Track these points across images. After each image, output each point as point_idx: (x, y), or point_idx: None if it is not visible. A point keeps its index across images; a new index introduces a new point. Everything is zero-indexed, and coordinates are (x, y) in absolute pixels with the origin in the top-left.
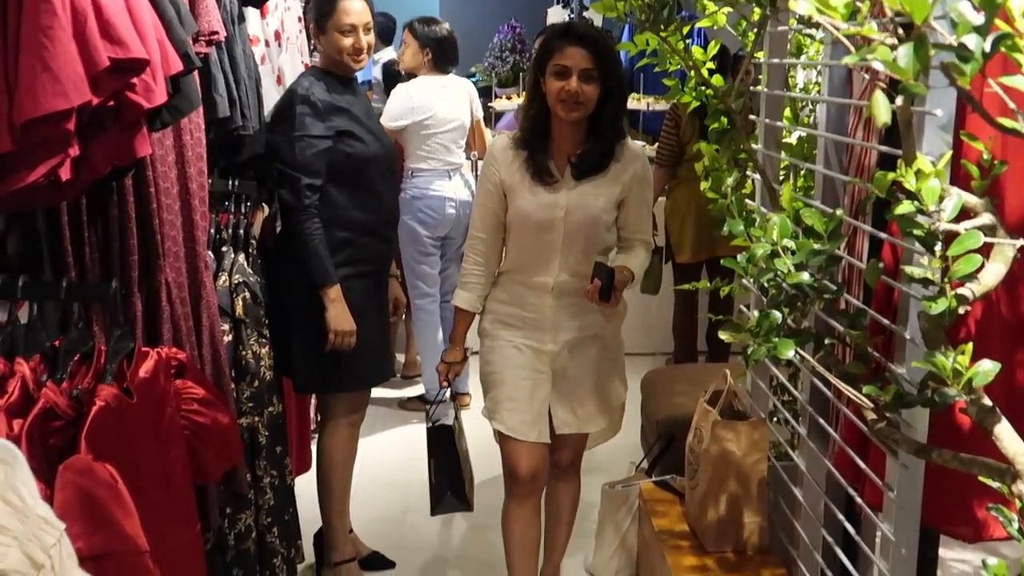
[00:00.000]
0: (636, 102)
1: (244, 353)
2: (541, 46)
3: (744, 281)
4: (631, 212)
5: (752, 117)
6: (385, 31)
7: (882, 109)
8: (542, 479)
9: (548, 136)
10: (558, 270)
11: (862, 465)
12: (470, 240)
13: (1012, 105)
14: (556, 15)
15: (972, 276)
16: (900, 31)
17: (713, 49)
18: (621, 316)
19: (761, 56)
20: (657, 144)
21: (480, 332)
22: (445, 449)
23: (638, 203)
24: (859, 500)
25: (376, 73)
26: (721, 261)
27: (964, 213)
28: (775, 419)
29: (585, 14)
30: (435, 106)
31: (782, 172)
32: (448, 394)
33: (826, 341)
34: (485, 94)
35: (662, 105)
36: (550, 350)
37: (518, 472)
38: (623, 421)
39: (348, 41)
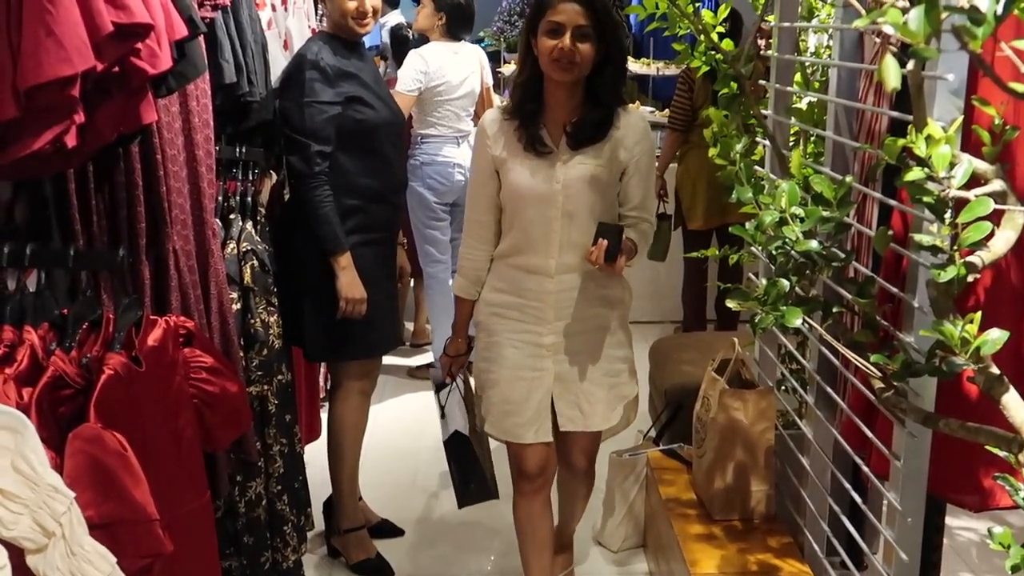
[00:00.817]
0: (646, 67)
1: (253, 321)
2: (534, 3)
3: (753, 249)
4: (633, 186)
5: (762, 82)
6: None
7: (892, 73)
8: (550, 471)
9: (541, 102)
10: (558, 251)
11: (869, 434)
12: (466, 224)
13: None
14: None
15: (982, 243)
16: None
17: (723, 12)
18: (627, 304)
19: (772, 20)
20: (670, 108)
21: (476, 324)
22: (464, 455)
23: (642, 176)
24: (865, 469)
25: (384, 38)
26: (729, 228)
27: (974, 179)
28: (783, 388)
29: None
30: (448, 73)
31: (792, 138)
32: (461, 386)
33: (834, 309)
34: (494, 59)
35: (672, 70)
36: (551, 342)
37: (523, 469)
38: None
39: (352, 4)
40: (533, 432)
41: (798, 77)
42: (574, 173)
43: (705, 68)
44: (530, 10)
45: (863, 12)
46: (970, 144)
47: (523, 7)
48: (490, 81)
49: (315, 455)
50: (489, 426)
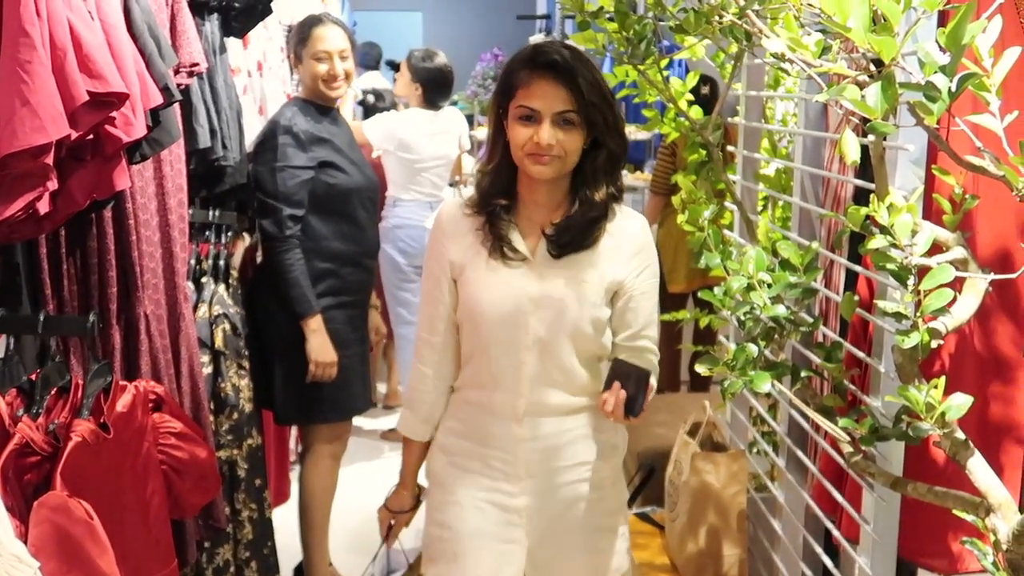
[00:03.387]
0: None
1: (223, 385)
2: (501, 77)
3: (724, 313)
4: (632, 311)
5: (730, 148)
6: (368, 59)
7: (851, 147)
8: None
9: (514, 197)
10: (529, 388)
11: (839, 498)
12: (417, 345)
13: (979, 144)
14: None
15: (944, 310)
16: (872, 67)
17: (692, 81)
18: (621, 451)
19: (739, 88)
20: (652, 172)
21: (428, 474)
22: None
23: (643, 299)
24: (836, 533)
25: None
26: (698, 294)
27: (937, 247)
28: (755, 450)
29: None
30: (423, 144)
31: (761, 203)
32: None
33: (803, 374)
34: (467, 122)
35: (643, 135)
36: (523, 505)
37: None
38: None
39: (323, 68)
40: None
41: (765, 143)
42: (553, 289)
43: (675, 135)
44: (498, 83)
45: (824, 86)
46: (932, 212)
47: (496, 71)
48: (467, 146)
49: (285, 519)
50: None
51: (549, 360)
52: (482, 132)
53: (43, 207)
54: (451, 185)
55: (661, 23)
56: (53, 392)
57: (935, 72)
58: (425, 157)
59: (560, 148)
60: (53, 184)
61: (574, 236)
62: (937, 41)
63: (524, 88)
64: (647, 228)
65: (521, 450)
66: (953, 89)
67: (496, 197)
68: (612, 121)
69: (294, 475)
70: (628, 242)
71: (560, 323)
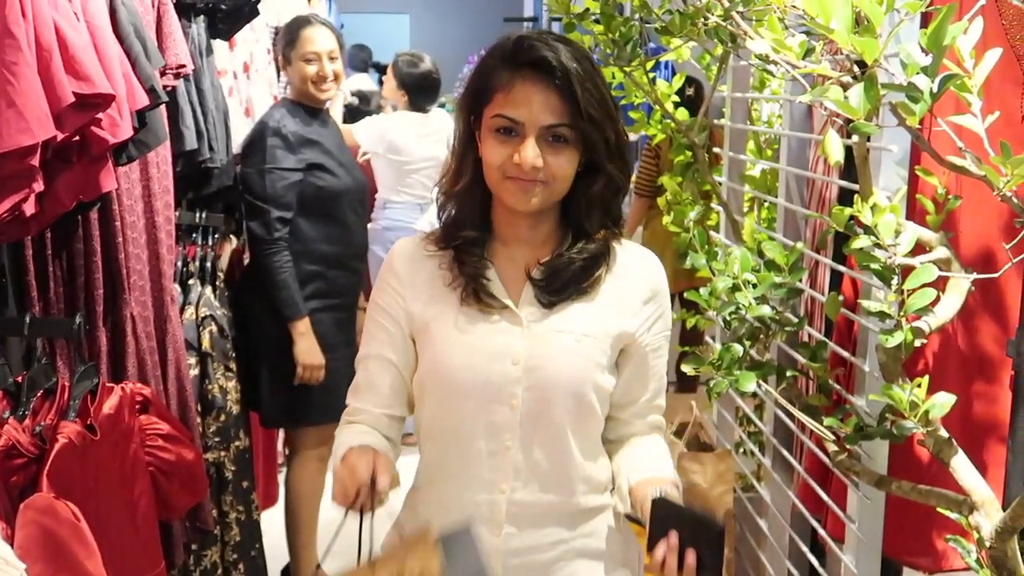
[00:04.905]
0: None
1: (210, 387)
2: (474, 75)
3: (710, 313)
4: (644, 372)
5: (716, 150)
6: (357, 61)
7: (834, 148)
8: None
9: (488, 228)
10: (511, 481)
11: (825, 497)
12: (347, 416)
13: (960, 144)
14: None
15: (927, 309)
16: (856, 68)
17: (678, 83)
18: (634, 569)
19: (724, 90)
20: (636, 174)
21: None
22: None
23: (656, 355)
24: (822, 532)
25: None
26: (684, 294)
27: (920, 247)
28: (741, 450)
29: None
30: (412, 146)
31: (747, 204)
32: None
33: (788, 373)
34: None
35: (631, 137)
36: None
37: None
38: None
39: (312, 69)
40: None
41: (751, 145)
42: (545, 348)
43: (661, 136)
44: (468, 81)
45: (808, 87)
46: (915, 213)
47: None
48: None
49: (272, 521)
50: None
51: (540, 444)
52: None
53: (29, 208)
54: None
55: (647, 25)
56: (39, 394)
57: (917, 73)
58: (415, 159)
59: (547, 172)
60: (39, 185)
61: (570, 278)
62: (920, 43)
63: (503, 92)
64: (660, 267)
65: (500, 568)
66: (935, 90)
67: (464, 228)
68: (615, 141)
69: (282, 477)
70: (638, 285)
71: (555, 394)
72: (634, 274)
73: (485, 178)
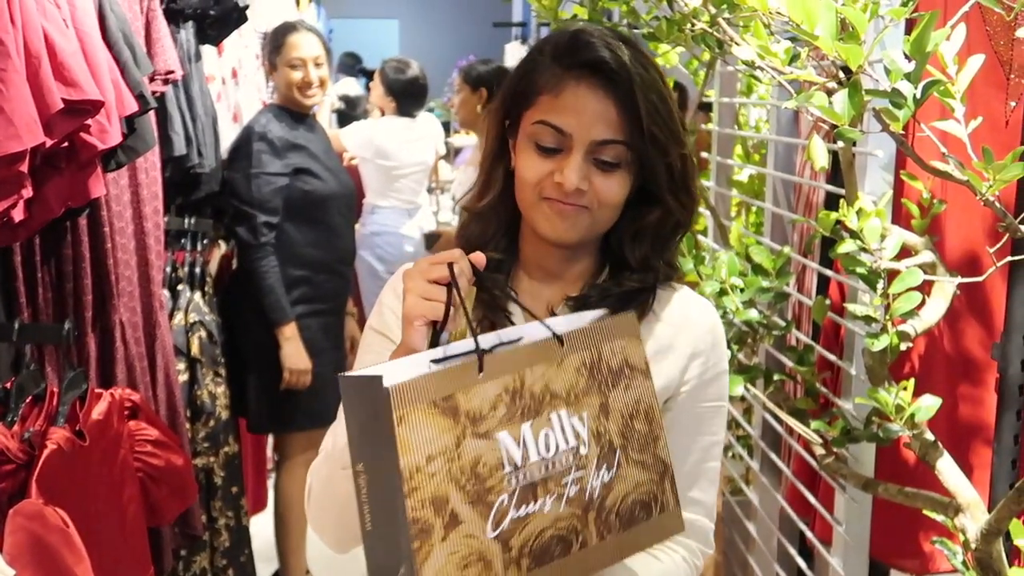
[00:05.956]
0: None
1: (199, 393)
2: (518, 72)
3: None
4: (686, 443)
5: (704, 155)
6: (346, 67)
7: (819, 153)
8: None
9: (515, 253)
10: None
11: (812, 500)
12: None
13: (943, 149)
14: (514, 52)
15: (913, 313)
16: (841, 74)
17: None
18: None
19: (711, 95)
20: None
21: None
22: None
23: (698, 422)
24: (810, 535)
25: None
26: None
27: (905, 251)
28: (730, 454)
29: None
30: (401, 151)
31: (735, 208)
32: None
33: (775, 377)
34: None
35: None
36: None
37: None
38: None
39: (297, 75)
40: None
41: (739, 150)
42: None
43: None
44: (509, 80)
45: (793, 93)
46: (900, 217)
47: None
48: (443, 151)
49: (261, 527)
50: None
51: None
52: (459, 139)
53: (18, 215)
54: (428, 191)
55: (635, 31)
56: (28, 400)
57: (900, 79)
58: (403, 164)
59: (593, 196)
60: (28, 192)
61: None
62: (904, 49)
63: (551, 94)
64: (719, 322)
65: None
66: (918, 96)
67: (487, 251)
68: (680, 169)
69: (271, 483)
70: (689, 333)
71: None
72: (685, 321)
73: (517, 197)
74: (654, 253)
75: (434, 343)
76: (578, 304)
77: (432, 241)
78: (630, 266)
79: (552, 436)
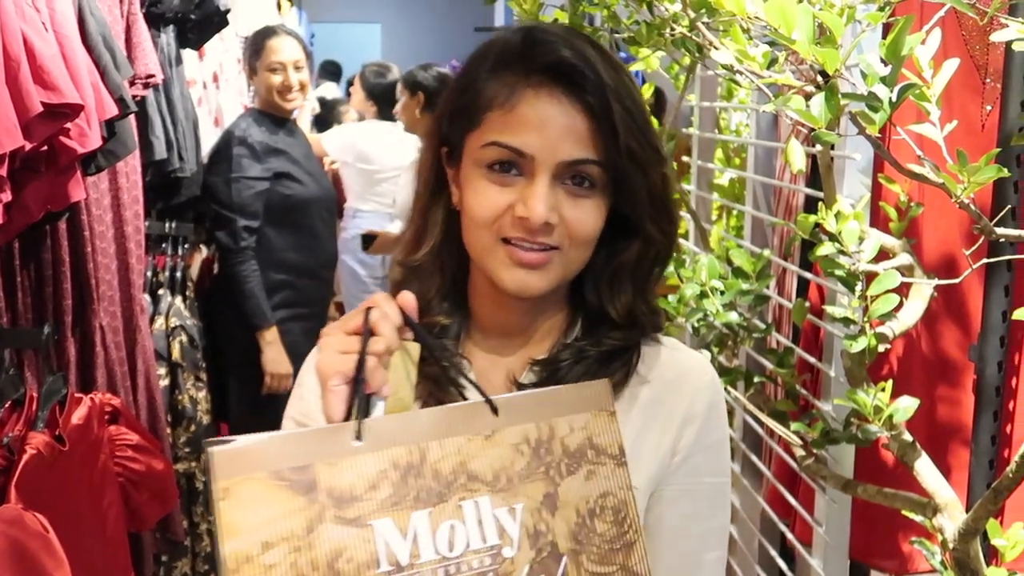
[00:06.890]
0: None
1: (181, 397)
2: (456, 86)
3: (679, 320)
4: (671, 527)
5: (684, 158)
6: (328, 73)
7: (796, 156)
8: None
9: (465, 313)
10: None
11: (793, 501)
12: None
13: (919, 152)
14: None
15: (891, 315)
16: (819, 78)
17: (647, 91)
18: None
19: (692, 99)
20: None
21: None
22: None
23: (692, 500)
24: (790, 536)
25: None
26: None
27: (883, 253)
28: None
29: None
30: (382, 155)
31: (715, 212)
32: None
33: (756, 379)
34: None
35: None
36: None
37: None
38: None
39: (277, 79)
40: None
41: (719, 154)
42: None
43: None
44: (446, 97)
45: (772, 97)
46: (878, 220)
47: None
48: None
49: None
50: None
51: None
52: None
53: None
54: None
55: (616, 35)
56: (7, 405)
57: (877, 83)
58: (385, 168)
59: (564, 232)
60: (7, 195)
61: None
62: (880, 53)
63: (503, 109)
64: (717, 381)
65: None
66: (894, 99)
67: (431, 313)
68: (660, 189)
69: None
70: (681, 395)
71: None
72: (675, 380)
73: (465, 241)
74: (636, 299)
75: (365, 413)
76: (546, 368)
77: (368, 242)
78: (609, 317)
79: (461, 530)
